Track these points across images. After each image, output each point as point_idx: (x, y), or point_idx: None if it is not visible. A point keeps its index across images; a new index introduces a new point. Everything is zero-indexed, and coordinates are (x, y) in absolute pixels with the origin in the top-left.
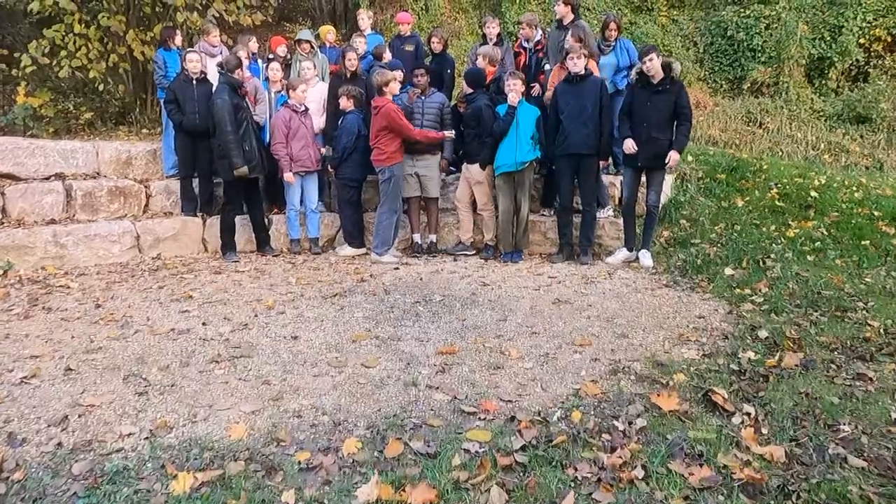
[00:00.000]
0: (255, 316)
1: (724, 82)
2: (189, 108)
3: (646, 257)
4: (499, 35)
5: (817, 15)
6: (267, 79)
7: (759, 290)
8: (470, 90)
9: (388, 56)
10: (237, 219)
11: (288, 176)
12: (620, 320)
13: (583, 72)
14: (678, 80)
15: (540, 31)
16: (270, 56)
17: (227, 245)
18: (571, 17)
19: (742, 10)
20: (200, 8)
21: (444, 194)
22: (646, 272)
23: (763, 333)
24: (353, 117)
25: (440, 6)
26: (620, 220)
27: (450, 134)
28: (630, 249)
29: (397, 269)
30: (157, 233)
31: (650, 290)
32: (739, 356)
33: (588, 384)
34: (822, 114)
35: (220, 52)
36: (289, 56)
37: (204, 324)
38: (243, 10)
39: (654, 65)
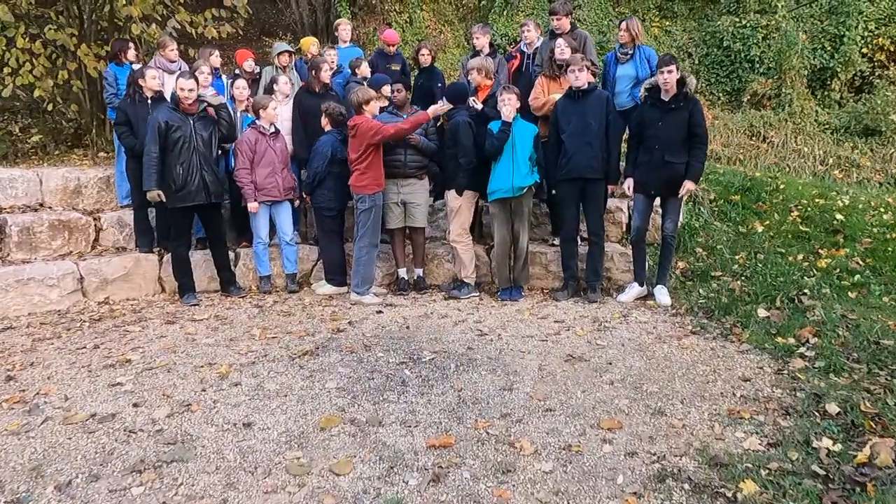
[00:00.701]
0: (203, 390)
1: (721, 94)
2: (143, 130)
3: (662, 294)
4: (491, 45)
5: (816, 24)
6: (233, 97)
7: (805, 340)
8: (450, 105)
9: (364, 69)
10: (200, 253)
11: (252, 205)
12: (650, 387)
13: (585, 86)
14: (692, 97)
15: (540, 38)
16: (237, 72)
17: (184, 286)
18: (569, 28)
19: (738, 20)
20: (160, 19)
21: (432, 222)
22: (664, 312)
23: (833, 408)
24: (327, 138)
25: (425, 19)
26: (630, 251)
27: (441, 105)
28: (642, 284)
29: (380, 312)
30: (104, 273)
31: (676, 338)
32: (814, 445)
33: (630, 500)
34: (827, 126)
35: (179, 68)
36: (256, 71)
37: (136, 405)
38: (210, 22)
39: (672, 78)
